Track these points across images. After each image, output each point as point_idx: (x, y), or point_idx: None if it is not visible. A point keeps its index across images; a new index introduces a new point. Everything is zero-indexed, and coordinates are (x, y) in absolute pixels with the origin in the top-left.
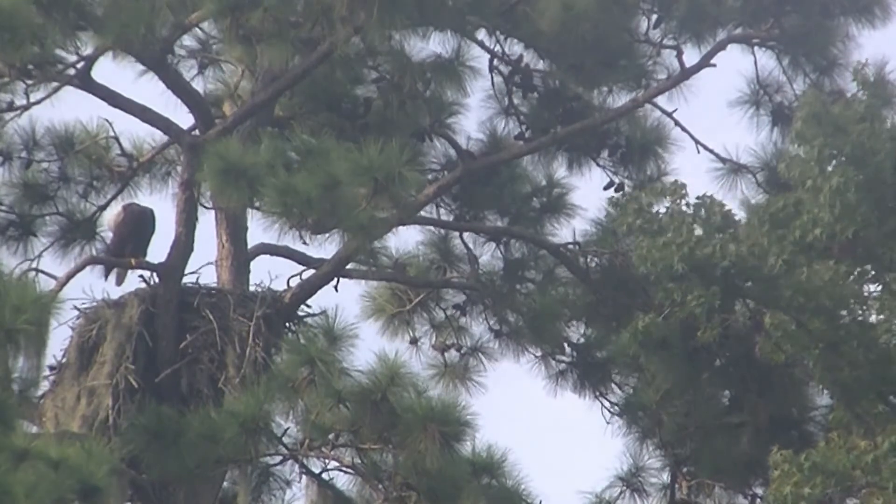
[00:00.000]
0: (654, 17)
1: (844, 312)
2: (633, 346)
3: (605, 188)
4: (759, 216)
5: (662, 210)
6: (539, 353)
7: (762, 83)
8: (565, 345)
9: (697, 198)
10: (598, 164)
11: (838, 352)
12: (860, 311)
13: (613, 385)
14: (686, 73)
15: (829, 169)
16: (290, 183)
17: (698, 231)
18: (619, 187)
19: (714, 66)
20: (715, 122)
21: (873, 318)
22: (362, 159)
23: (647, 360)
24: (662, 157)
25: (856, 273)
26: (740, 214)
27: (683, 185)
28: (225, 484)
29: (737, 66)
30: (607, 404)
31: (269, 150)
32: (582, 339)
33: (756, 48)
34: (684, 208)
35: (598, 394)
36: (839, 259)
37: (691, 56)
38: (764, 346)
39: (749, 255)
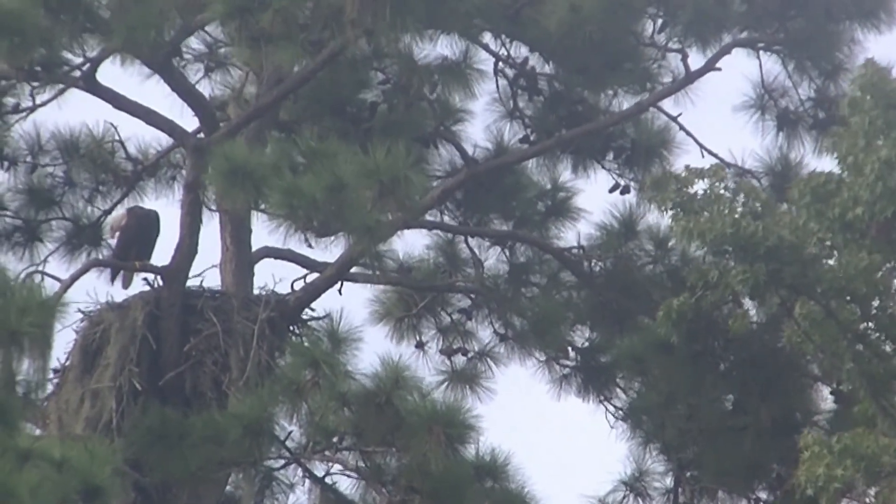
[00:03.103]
0: (660, 20)
1: (876, 303)
2: (666, 326)
3: (611, 190)
4: (800, 189)
5: (700, 192)
6: (543, 358)
7: (767, 87)
8: (569, 349)
9: (736, 181)
10: (603, 167)
11: (866, 343)
12: (890, 303)
13: (617, 389)
14: (691, 77)
15: (878, 143)
16: (295, 185)
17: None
18: (625, 189)
19: (719, 69)
20: (720, 126)
21: None
22: (368, 162)
23: (652, 362)
24: (668, 158)
25: (885, 267)
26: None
27: (724, 168)
28: (227, 488)
29: (742, 70)
30: (611, 408)
31: (275, 152)
32: (586, 344)
33: (761, 52)
34: (723, 191)
35: (601, 398)
36: (876, 240)
37: (696, 60)
38: (793, 336)
39: (790, 237)
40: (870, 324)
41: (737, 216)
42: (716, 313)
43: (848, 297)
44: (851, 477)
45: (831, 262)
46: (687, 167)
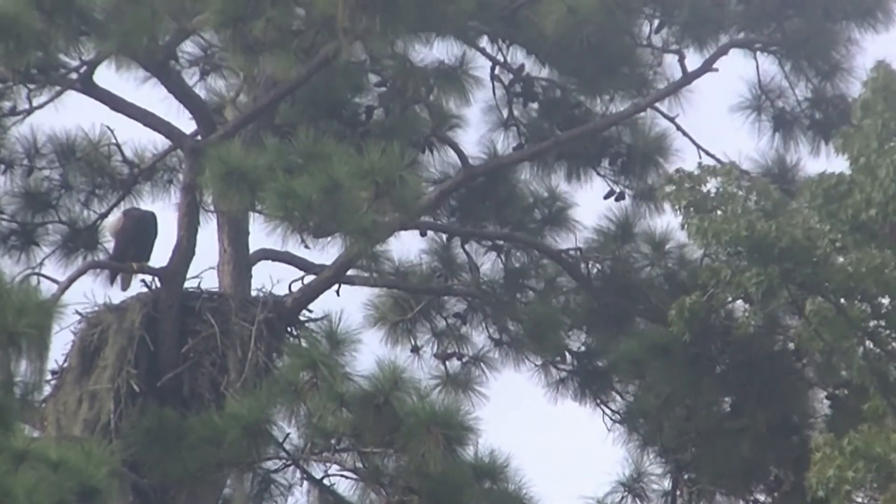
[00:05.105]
0: (657, 21)
1: (886, 300)
2: (679, 324)
3: (606, 197)
4: (811, 190)
5: (713, 190)
6: (539, 362)
7: (764, 88)
8: (566, 353)
9: (748, 179)
10: (598, 173)
11: (877, 341)
12: None
13: (614, 392)
14: (688, 78)
15: (890, 145)
16: (290, 186)
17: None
18: (620, 196)
19: (716, 70)
20: (717, 127)
21: None
22: (363, 163)
23: (650, 365)
24: (663, 165)
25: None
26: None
27: (737, 166)
28: (225, 490)
29: (739, 70)
30: (608, 412)
31: (270, 154)
32: (582, 347)
33: (758, 53)
34: (736, 190)
35: (598, 401)
36: (888, 240)
37: (693, 61)
38: (803, 334)
39: (803, 238)
40: (880, 321)
41: (751, 217)
42: (713, 316)
43: (858, 296)
44: (863, 478)
45: (842, 259)
46: (700, 164)
